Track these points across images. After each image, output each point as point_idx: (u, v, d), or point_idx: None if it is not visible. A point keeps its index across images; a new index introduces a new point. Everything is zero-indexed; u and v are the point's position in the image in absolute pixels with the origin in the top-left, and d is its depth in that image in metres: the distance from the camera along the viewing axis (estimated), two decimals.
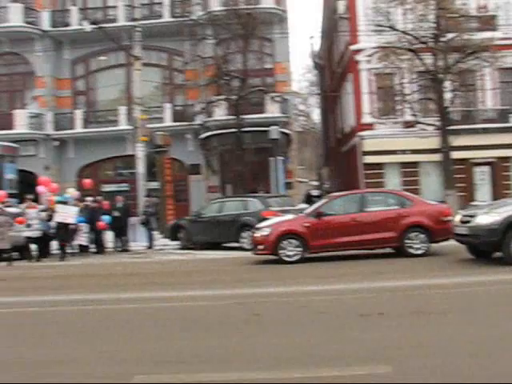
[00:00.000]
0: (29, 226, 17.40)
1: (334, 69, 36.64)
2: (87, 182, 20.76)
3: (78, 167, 29.65)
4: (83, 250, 18.57)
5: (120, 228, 19.36)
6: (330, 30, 37.44)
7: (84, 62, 30.43)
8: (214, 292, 9.56)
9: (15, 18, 28.92)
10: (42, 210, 17.98)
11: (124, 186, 28.32)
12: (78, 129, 29.12)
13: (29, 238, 17.53)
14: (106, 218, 18.81)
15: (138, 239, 20.44)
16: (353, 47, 27.00)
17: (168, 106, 28.47)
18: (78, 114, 29.23)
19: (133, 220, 20.19)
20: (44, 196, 19.40)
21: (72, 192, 19.95)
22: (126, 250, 19.21)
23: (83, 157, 29.36)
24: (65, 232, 17.16)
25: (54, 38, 29.74)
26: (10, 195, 20.52)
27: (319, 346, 5.79)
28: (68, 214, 17.07)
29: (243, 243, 17.00)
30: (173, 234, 19.69)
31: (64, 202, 18.25)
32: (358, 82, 27.03)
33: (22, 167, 26.42)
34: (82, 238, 18.29)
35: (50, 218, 17.51)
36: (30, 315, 8.33)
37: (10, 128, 28.38)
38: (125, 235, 19.53)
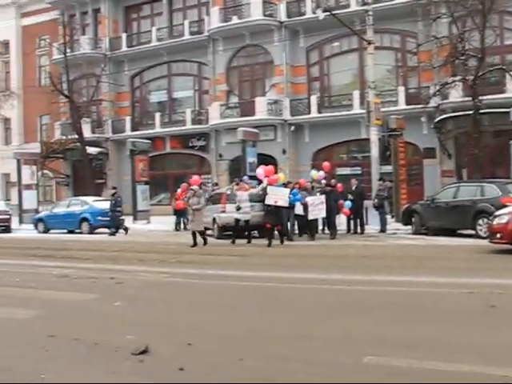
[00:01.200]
0: (239, 208, 17.50)
1: None
2: (326, 165, 21.32)
3: (313, 151, 30.81)
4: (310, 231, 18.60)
5: (354, 211, 19.73)
6: None
7: (318, 48, 31.39)
8: (446, 279, 9.45)
9: (255, 12, 30.95)
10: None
11: (357, 170, 28.81)
12: (313, 114, 30.22)
13: (238, 220, 17.73)
14: (347, 204, 19.03)
15: (370, 222, 20.70)
16: None
17: (401, 88, 28.20)
18: (313, 100, 30.31)
19: (366, 203, 20.43)
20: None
21: (316, 174, 20.34)
22: (358, 233, 19.58)
23: (318, 141, 30.41)
24: (275, 215, 16.56)
25: (290, 28, 31.15)
26: (251, 177, 21.91)
27: None
28: (279, 196, 16.53)
29: (479, 231, 16.35)
30: (405, 218, 19.58)
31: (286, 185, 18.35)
32: None
33: (262, 151, 28.25)
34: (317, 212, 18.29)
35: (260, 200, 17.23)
36: (266, 289, 9.08)
37: (252, 114, 30.48)
38: (360, 218, 19.86)
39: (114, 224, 23.20)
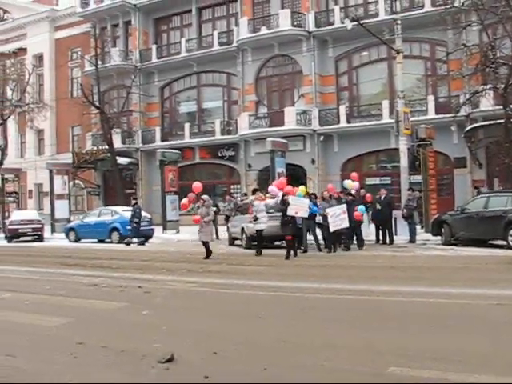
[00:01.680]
0: (256, 218, 17.34)
1: None
2: (354, 175, 21.24)
3: (342, 161, 30.77)
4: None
5: (383, 221, 19.67)
6: None
7: (347, 58, 31.39)
8: (475, 290, 9.36)
9: (284, 22, 31.08)
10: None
11: (387, 180, 28.67)
12: (342, 123, 30.21)
13: (258, 230, 17.47)
14: (361, 209, 18.55)
15: (399, 233, 20.56)
16: None
17: (431, 98, 28.03)
18: (342, 109, 30.29)
19: (395, 213, 20.31)
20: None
21: (350, 183, 20.14)
22: (387, 243, 19.46)
23: (347, 151, 30.36)
24: (291, 226, 16.18)
25: (319, 38, 31.24)
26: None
27: None
28: (300, 207, 16.27)
29: (510, 241, 16.11)
30: (435, 228, 19.41)
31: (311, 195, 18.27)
32: None
33: (291, 161, 28.33)
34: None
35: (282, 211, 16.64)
36: (293, 299, 9.11)
37: (281, 124, 30.57)
38: (388, 228, 19.74)
39: (137, 234, 23.42)
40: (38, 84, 42.81)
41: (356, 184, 20.27)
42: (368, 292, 9.55)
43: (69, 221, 30.75)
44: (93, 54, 35.19)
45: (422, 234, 20.59)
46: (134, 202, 24.26)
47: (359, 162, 30.77)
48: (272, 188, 18.93)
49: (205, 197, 17.36)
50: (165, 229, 27.33)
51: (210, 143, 34.66)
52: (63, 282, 12.00)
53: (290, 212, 16.10)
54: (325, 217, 17.47)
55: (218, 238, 23.59)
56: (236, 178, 34.16)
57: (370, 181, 29.23)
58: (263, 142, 27.64)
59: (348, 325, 7.23)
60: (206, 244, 16.55)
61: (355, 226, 18.42)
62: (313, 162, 31.06)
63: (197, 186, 18.77)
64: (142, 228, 23.67)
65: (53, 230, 31.27)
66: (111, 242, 24.48)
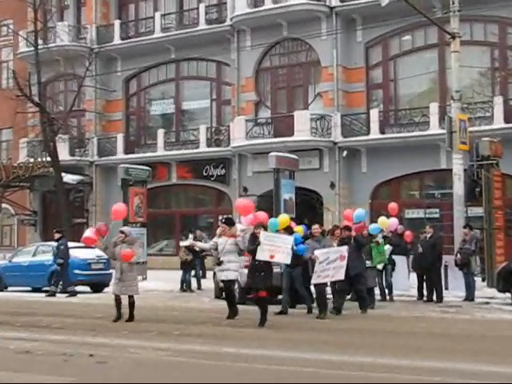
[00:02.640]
0: (220, 263, 16.06)
1: None
2: (393, 207, 21.12)
3: (373, 185, 30.84)
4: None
5: (428, 270, 19.56)
6: None
7: (381, 44, 31.71)
8: None
9: None
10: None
11: (434, 213, 28.68)
12: (374, 134, 30.31)
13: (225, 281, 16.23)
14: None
15: (451, 287, 20.49)
16: None
17: (498, 100, 28.18)
18: (374, 115, 30.44)
19: (445, 260, 20.27)
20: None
21: (385, 222, 19.62)
22: (434, 300, 19.36)
23: (379, 171, 30.42)
24: (265, 275, 14.90)
25: (344, 16, 31.56)
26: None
27: None
28: (277, 247, 14.86)
29: None
30: (503, 281, 19.30)
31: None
32: None
33: (302, 184, 28.32)
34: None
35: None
36: (304, 376, 9.01)
37: (290, 134, 30.66)
38: (436, 280, 19.61)
39: (64, 280, 23.50)
40: None
41: (393, 222, 20.18)
42: (408, 369, 9.46)
43: None
44: (31, 29, 35.34)
45: (483, 290, 20.56)
46: (57, 235, 24.19)
47: (396, 188, 30.86)
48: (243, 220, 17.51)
49: (126, 229, 16.74)
50: None
51: (192, 158, 34.79)
52: None
53: (262, 255, 14.81)
54: (312, 261, 16.36)
55: (200, 288, 23.88)
56: (226, 205, 34.17)
57: (410, 214, 29.33)
58: (265, 157, 27.63)
59: None
60: (118, 300, 15.63)
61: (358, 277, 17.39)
62: (332, 186, 31.08)
63: (119, 209, 18.07)
64: (94, 272, 23.98)
65: None
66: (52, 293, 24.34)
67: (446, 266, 20.33)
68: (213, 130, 34.97)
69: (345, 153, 31.13)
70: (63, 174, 34.21)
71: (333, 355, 10.69)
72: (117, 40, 37.20)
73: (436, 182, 29.88)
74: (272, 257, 14.78)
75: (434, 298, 19.45)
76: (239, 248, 16.00)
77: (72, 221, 34.44)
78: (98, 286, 24.32)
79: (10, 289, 25.95)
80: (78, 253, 24.81)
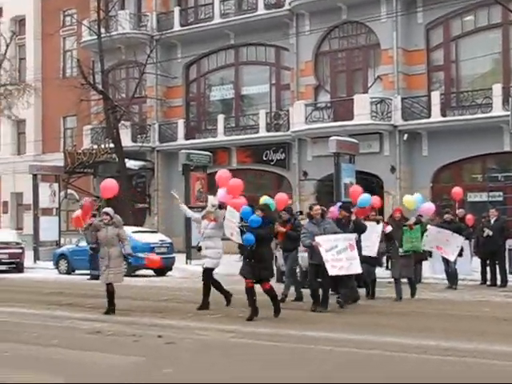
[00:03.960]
0: (200, 249, 15.71)
1: None
2: (457, 191, 20.88)
3: (434, 169, 30.57)
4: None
5: (492, 253, 19.36)
6: None
7: (443, 25, 31.34)
8: None
9: None
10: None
11: (498, 196, 28.36)
12: (435, 117, 30.01)
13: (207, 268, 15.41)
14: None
15: None
16: None
17: None
18: (435, 97, 30.10)
19: (509, 243, 20.04)
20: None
21: (410, 201, 18.20)
22: (497, 285, 19.22)
23: (441, 155, 30.14)
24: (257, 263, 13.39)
25: None
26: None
27: None
28: (235, 226, 14.01)
29: None
30: None
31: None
32: None
33: (362, 168, 28.22)
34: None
35: None
36: (376, 359, 9.09)
37: (349, 118, 30.56)
38: (500, 264, 19.41)
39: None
40: (18, 58, 43.62)
41: (429, 206, 18.82)
42: (471, 352, 9.49)
43: (59, 245, 31.18)
44: (93, 18, 35.78)
45: None
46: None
47: (457, 172, 30.57)
48: (220, 192, 16.02)
49: (110, 210, 14.97)
50: (189, 258, 27.48)
51: (252, 142, 34.92)
52: (54, 328, 12.22)
53: (226, 232, 14.32)
54: (312, 249, 14.60)
55: None
56: (287, 189, 34.13)
57: (472, 197, 28.98)
58: (324, 141, 27.62)
59: None
60: (109, 287, 14.33)
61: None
62: (393, 169, 30.92)
63: (108, 186, 16.46)
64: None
65: (36, 257, 31.70)
66: None
67: (510, 250, 20.11)
68: (272, 114, 35.02)
69: (405, 136, 30.94)
70: (126, 160, 34.61)
71: (396, 338, 10.74)
72: (177, 27, 37.45)
73: (499, 164, 29.51)
74: (232, 234, 14.13)
75: (498, 282, 19.31)
76: (222, 233, 15.05)
77: (135, 206, 34.86)
78: (161, 270, 24.45)
79: (77, 272, 26.41)
80: (141, 237, 25.27)
